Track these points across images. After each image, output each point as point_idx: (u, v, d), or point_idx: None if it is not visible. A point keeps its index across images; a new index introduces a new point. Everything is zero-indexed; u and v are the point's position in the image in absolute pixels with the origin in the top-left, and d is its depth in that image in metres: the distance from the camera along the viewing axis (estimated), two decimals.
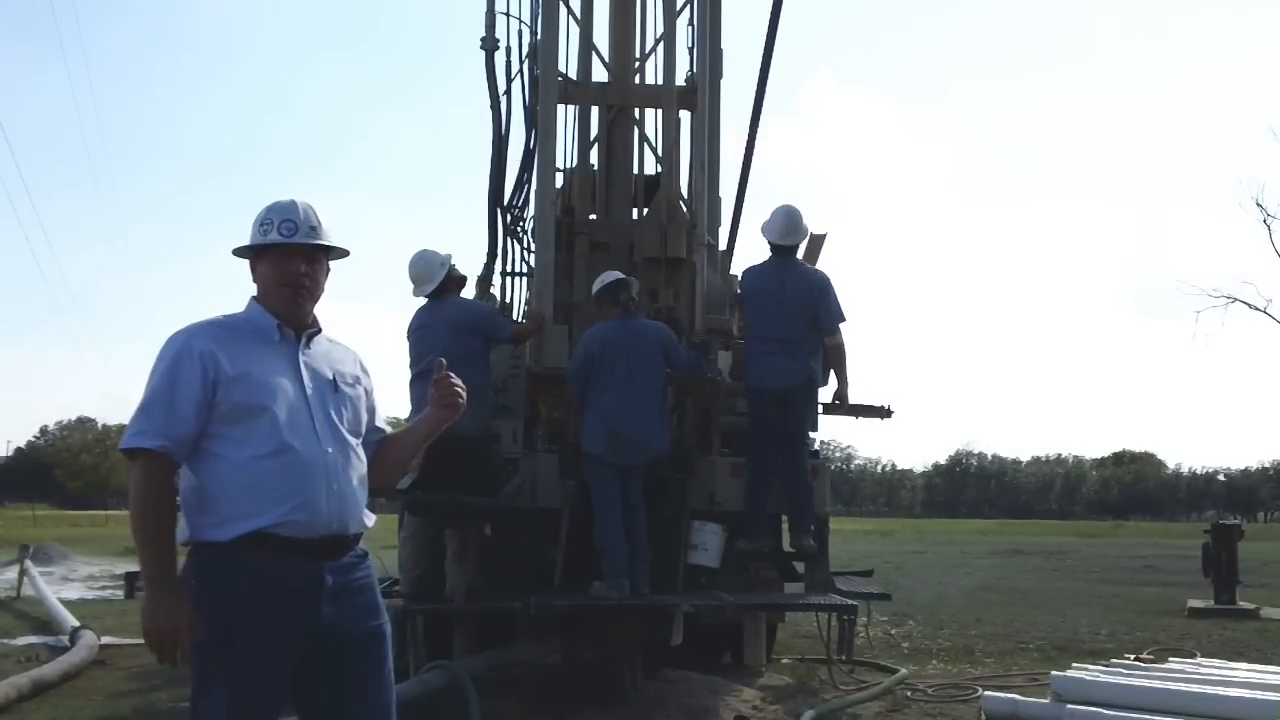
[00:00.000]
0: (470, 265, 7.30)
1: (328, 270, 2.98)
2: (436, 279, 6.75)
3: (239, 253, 2.93)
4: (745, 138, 8.80)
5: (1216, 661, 7.40)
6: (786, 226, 7.31)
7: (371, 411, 3.06)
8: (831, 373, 7.41)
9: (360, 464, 2.92)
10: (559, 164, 8.22)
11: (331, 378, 2.91)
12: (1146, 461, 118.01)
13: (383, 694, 2.92)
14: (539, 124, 7.98)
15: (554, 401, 7.40)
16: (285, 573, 2.73)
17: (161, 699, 7.15)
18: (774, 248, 7.35)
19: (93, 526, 40.42)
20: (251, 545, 2.70)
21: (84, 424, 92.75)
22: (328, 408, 2.86)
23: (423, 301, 6.84)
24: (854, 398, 7.53)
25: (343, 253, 3.00)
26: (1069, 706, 5.76)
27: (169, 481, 2.75)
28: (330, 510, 2.79)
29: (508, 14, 8.57)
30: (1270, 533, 40.29)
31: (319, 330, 2.96)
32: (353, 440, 2.91)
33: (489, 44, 8.53)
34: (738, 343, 7.77)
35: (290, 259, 2.87)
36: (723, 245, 8.66)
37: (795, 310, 7.13)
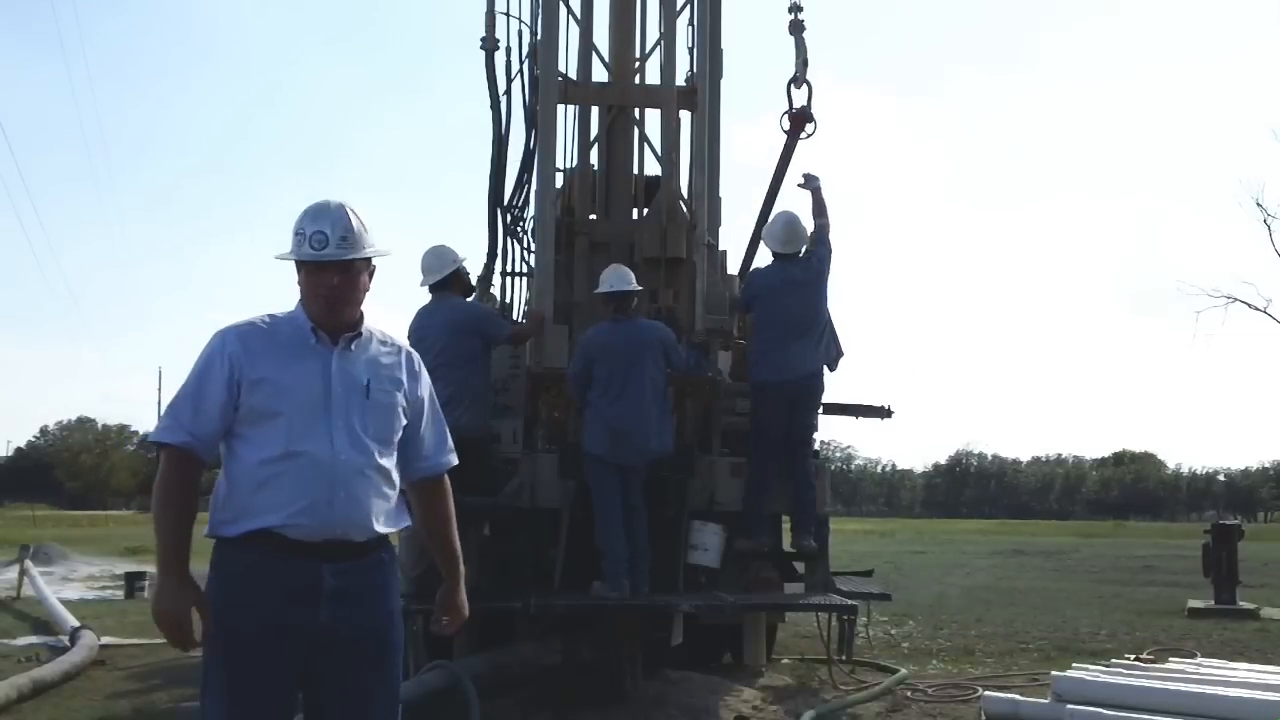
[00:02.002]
0: (470, 265, 7.30)
1: (371, 270, 2.97)
2: (443, 272, 6.81)
3: (282, 258, 2.96)
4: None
5: (1216, 661, 7.41)
6: (787, 235, 7.42)
7: (420, 418, 3.04)
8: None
9: (382, 472, 2.90)
10: (559, 164, 8.24)
11: (365, 383, 2.90)
12: (1146, 461, 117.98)
13: (383, 703, 2.92)
14: (539, 124, 8.00)
15: (554, 401, 7.41)
16: (285, 571, 2.78)
17: (162, 699, 7.16)
18: (776, 255, 7.43)
19: (92, 526, 40.46)
20: (255, 543, 2.78)
21: (84, 424, 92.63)
22: (351, 413, 2.85)
23: (425, 301, 6.88)
24: (853, 398, 7.57)
25: (382, 253, 2.98)
26: (1069, 706, 5.77)
27: (188, 475, 2.84)
28: (336, 516, 2.80)
29: (508, 14, 8.60)
30: (1270, 533, 40.27)
31: (359, 334, 2.94)
32: (375, 446, 2.88)
33: (489, 44, 8.54)
34: (738, 343, 7.78)
35: (322, 272, 2.87)
36: (736, 260, 8.64)
37: (806, 293, 7.26)
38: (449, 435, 3.15)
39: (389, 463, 2.93)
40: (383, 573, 2.94)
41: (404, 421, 2.98)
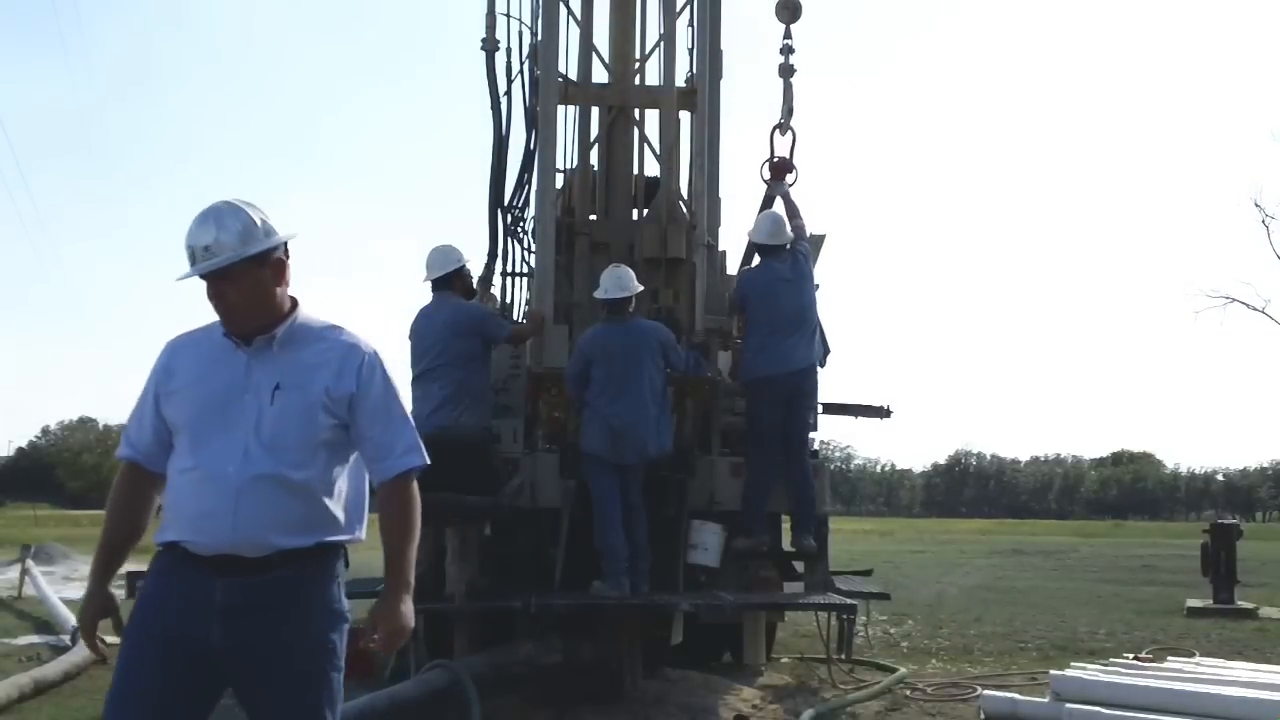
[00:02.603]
0: (471, 266, 7.31)
1: (273, 263, 2.76)
2: (444, 270, 6.84)
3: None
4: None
5: (1215, 661, 7.42)
6: (773, 228, 7.49)
7: (361, 419, 2.79)
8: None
9: (287, 483, 2.70)
10: (559, 164, 8.25)
11: (275, 386, 2.73)
12: (1145, 461, 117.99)
13: None
14: (539, 124, 8.01)
15: (554, 401, 7.43)
16: (179, 583, 2.73)
17: None
18: (763, 249, 7.48)
19: (94, 526, 40.29)
20: (167, 553, 2.77)
21: (85, 424, 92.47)
22: (251, 421, 2.70)
23: (426, 302, 6.90)
24: (852, 398, 7.62)
25: (272, 248, 2.75)
26: (1068, 706, 5.78)
27: (128, 487, 2.85)
28: (223, 530, 2.66)
29: (508, 15, 8.59)
30: (1269, 532, 40.31)
31: (273, 336, 2.76)
32: (279, 455, 2.70)
33: (489, 45, 8.53)
34: (736, 343, 7.81)
35: (206, 286, 2.74)
36: (735, 260, 8.66)
37: (796, 290, 7.32)
38: (410, 436, 2.86)
39: (302, 472, 2.71)
40: (292, 590, 2.72)
41: (329, 423, 2.75)
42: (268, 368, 2.75)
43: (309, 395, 2.74)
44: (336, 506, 2.79)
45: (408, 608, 2.86)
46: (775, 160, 8.20)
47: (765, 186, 8.21)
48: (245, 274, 2.71)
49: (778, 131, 8.25)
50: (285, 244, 2.82)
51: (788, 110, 8.29)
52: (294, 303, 2.83)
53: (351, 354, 2.80)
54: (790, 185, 8.11)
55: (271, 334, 2.76)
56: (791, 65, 8.36)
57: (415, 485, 2.87)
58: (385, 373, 2.85)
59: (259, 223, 2.73)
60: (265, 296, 2.76)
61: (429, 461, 2.89)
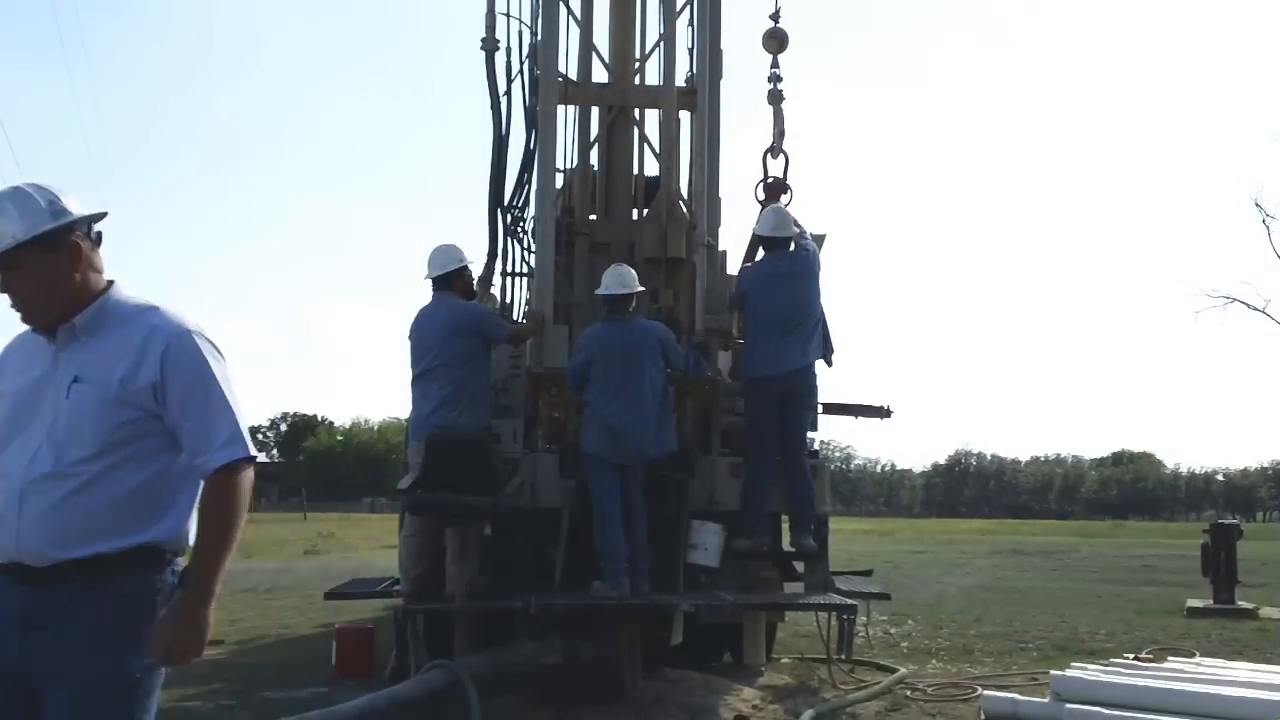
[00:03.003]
0: (472, 266, 7.31)
1: (67, 246, 2.53)
2: (445, 269, 6.85)
3: None
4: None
5: (1215, 661, 7.41)
6: (777, 221, 7.49)
7: (170, 409, 2.53)
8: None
9: (78, 483, 2.47)
10: (559, 164, 8.25)
11: (74, 379, 2.52)
12: (1145, 461, 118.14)
13: None
14: (539, 124, 8.01)
15: (554, 401, 7.43)
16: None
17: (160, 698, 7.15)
18: (767, 242, 7.47)
19: None
20: None
21: None
22: (47, 419, 2.51)
23: (426, 302, 6.90)
24: (853, 398, 7.61)
25: (63, 230, 2.52)
26: (1068, 706, 5.78)
27: None
28: (8, 537, 2.47)
29: (508, 15, 8.60)
30: (1269, 533, 40.20)
31: (73, 325, 2.55)
32: (71, 454, 2.48)
33: (489, 45, 8.54)
34: (737, 343, 7.81)
35: None
36: (736, 260, 8.69)
37: (795, 286, 7.29)
38: (231, 426, 2.56)
39: (94, 472, 2.48)
40: (88, 603, 2.47)
41: (129, 416, 2.51)
42: (73, 359, 2.54)
43: (105, 387, 2.50)
44: (147, 511, 2.54)
45: (202, 619, 2.51)
46: (769, 182, 8.28)
47: (760, 208, 8.25)
48: (30, 259, 2.50)
49: (770, 155, 8.39)
50: (89, 224, 2.60)
51: (779, 134, 8.43)
52: (108, 285, 2.61)
53: (154, 337, 2.54)
54: (786, 205, 8.15)
55: (71, 322, 2.55)
56: (780, 92, 8.56)
57: (241, 481, 2.56)
58: (200, 356, 2.57)
59: (45, 204, 2.51)
60: (59, 283, 2.53)
61: (255, 454, 2.60)
